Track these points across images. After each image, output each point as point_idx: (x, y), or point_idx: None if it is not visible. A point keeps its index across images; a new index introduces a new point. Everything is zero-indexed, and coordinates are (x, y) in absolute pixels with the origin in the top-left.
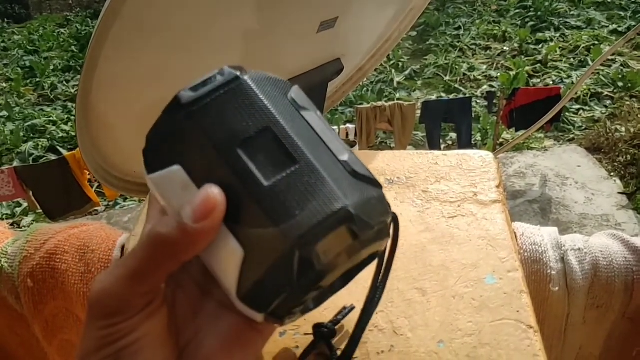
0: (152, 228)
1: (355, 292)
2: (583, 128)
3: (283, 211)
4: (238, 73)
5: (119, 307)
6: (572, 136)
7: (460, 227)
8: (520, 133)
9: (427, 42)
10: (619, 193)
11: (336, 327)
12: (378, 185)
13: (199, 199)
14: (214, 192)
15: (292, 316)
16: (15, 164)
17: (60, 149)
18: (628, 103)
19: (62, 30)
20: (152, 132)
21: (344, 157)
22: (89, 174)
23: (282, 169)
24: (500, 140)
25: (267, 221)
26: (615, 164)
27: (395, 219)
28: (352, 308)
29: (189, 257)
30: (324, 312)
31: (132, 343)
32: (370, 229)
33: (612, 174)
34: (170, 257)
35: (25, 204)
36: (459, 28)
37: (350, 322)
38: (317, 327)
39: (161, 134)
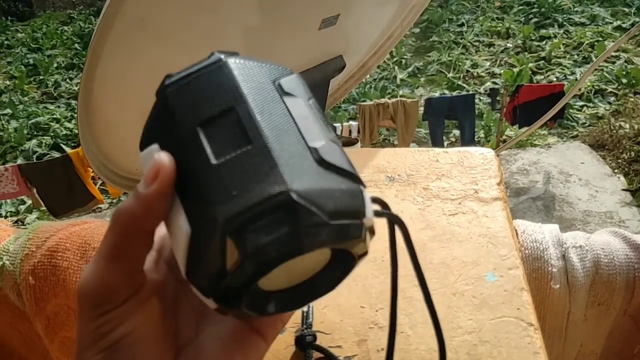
0: (115, 208)
1: (354, 290)
2: (587, 125)
3: (222, 191)
4: (222, 56)
5: (104, 294)
6: (575, 133)
7: (461, 225)
8: (523, 130)
9: (430, 39)
10: (623, 190)
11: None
12: (355, 180)
13: (149, 166)
14: (160, 156)
15: (249, 313)
16: (19, 161)
17: (64, 147)
18: (632, 99)
19: (66, 27)
20: (149, 114)
21: (317, 144)
22: (92, 172)
23: (234, 149)
24: (504, 137)
25: (208, 200)
26: (619, 160)
27: (393, 222)
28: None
29: (149, 225)
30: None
31: (126, 334)
32: (320, 222)
33: (616, 170)
34: (134, 228)
35: (29, 202)
36: (462, 25)
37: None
38: (299, 339)
39: (150, 114)
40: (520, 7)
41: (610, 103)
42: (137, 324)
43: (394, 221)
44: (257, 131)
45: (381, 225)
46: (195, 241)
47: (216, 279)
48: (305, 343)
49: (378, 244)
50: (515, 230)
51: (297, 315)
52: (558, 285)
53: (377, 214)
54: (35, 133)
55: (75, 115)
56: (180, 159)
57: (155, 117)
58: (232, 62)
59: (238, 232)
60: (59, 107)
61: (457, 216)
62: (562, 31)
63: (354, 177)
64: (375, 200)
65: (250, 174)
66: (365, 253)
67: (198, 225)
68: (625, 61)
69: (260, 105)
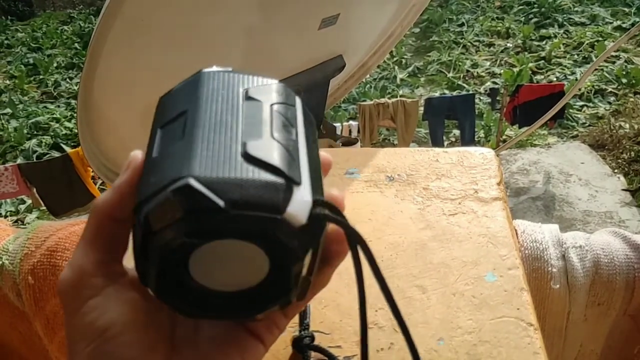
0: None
1: (354, 290)
2: (587, 125)
3: (146, 180)
4: (204, 69)
5: (79, 281)
6: (575, 133)
7: (461, 225)
8: (523, 130)
9: (430, 39)
10: (623, 190)
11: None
12: (279, 174)
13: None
14: (135, 153)
15: (184, 310)
16: (18, 161)
17: (64, 146)
18: (632, 99)
19: (65, 27)
20: None
21: (251, 140)
22: (92, 171)
23: (171, 144)
24: (504, 137)
25: (138, 189)
26: (619, 160)
27: (347, 231)
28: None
29: (119, 212)
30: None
31: (112, 323)
32: (215, 208)
33: (615, 170)
34: (106, 215)
35: (29, 201)
36: (462, 24)
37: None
38: (296, 340)
39: None
40: (520, 7)
41: (610, 103)
42: (122, 313)
43: (344, 229)
44: (192, 127)
45: (381, 225)
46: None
47: (144, 268)
48: (302, 345)
49: (378, 245)
50: (515, 230)
51: (297, 316)
52: (558, 285)
53: (318, 217)
54: (35, 132)
55: (75, 114)
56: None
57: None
58: (205, 73)
59: (144, 216)
60: (58, 106)
61: (457, 216)
62: (562, 31)
63: (280, 173)
64: (321, 203)
65: (169, 164)
66: (307, 280)
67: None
68: (625, 61)
69: (211, 107)
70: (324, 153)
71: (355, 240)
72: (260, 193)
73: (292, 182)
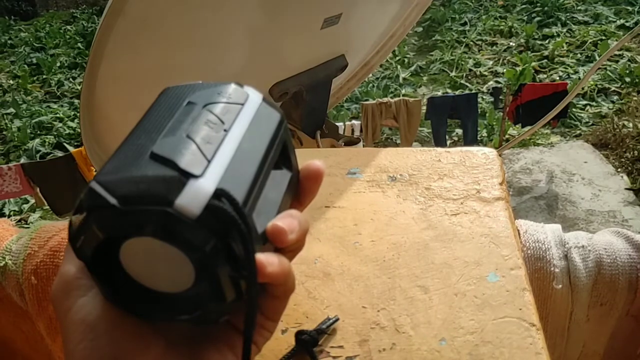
0: None
1: (356, 290)
2: (590, 124)
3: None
4: (170, 86)
5: (68, 284)
6: (578, 132)
7: (463, 225)
8: (526, 129)
9: (433, 38)
10: (626, 189)
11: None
12: (174, 168)
13: None
14: None
15: (114, 300)
16: (22, 160)
17: (67, 146)
18: (635, 98)
19: (69, 27)
20: None
21: (164, 139)
22: (95, 171)
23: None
24: (507, 136)
25: None
26: (623, 160)
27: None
28: (336, 319)
29: None
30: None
31: (101, 320)
32: (105, 204)
33: (619, 170)
34: None
35: (32, 201)
36: (465, 24)
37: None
38: (299, 334)
39: None
40: (523, 6)
41: (613, 102)
42: (110, 310)
43: (229, 220)
44: (126, 137)
45: (383, 226)
46: None
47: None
48: (301, 340)
49: (380, 245)
50: (518, 230)
51: (296, 316)
52: (560, 286)
53: (212, 209)
54: (38, 132)
55: (79, 114)
56: None
57: None
58: (167, 89)
59: (69, 224)
60: (62, 106)
61: (459, 216)
62: (565, 30)
63: (174, 166)
64: (224, 194)
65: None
66: (244, 278)
67: None
68: (629, 60)
69: (153, 116)
70: (316, 162)
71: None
72: (151, 187)
73: (187, 175)
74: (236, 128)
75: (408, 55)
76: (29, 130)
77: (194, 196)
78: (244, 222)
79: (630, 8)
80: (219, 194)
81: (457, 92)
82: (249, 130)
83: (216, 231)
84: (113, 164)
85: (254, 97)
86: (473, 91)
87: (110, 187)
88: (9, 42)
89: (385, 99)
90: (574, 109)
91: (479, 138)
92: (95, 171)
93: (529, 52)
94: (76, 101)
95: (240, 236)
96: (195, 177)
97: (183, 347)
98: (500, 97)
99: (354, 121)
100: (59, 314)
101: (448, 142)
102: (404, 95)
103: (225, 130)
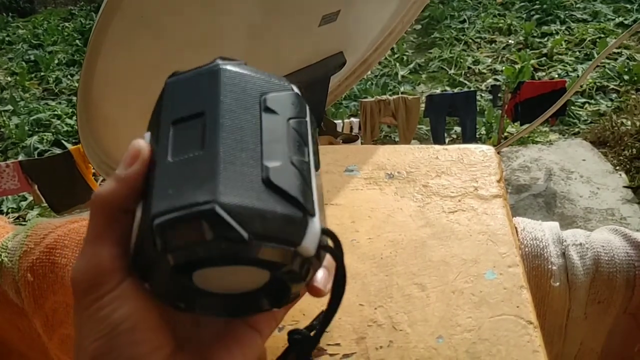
0: (92, 195)
1: (353, 288)
2: (588, 122)
3: (163, 187)
4: (220, 62)
5: (95, 278)
6: (577, 130)
7: (461, 222)
8: (525, 127)
9: (432, 36)
10: (624, 187)
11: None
12: (297, 206)
13: (127, 152)
14: (138, 142)
15: (179, 306)
16: (20, 157)
17: (65, 143)
18: (634, 96)
19: (67, 24)
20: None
21: (272, 164)
22: (93, 168)
23: (189, 152)
24: (505, 134)
25: (153, 193)
26: (621, 157)
27: (336, 257)
28: None
29: (130, 204)
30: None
31: (125, 319)
32: (238, 239)
33: (617, 167)
34: (117, 209)
35: (30, 198)
36: (463, 21)
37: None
38: (292, 334)
39: (155, 103)
40: (522, 4)
41: (612, 100)
42: (135, 309)
43: (336, 259)
44: (213, 139)
45: (381, 223)
46: (141, 228)
47: (147, 267)
48: (293, 339)
49: (377, 242)
50: (515, 227)
51: (293, 313)
52: (558, 283)
53: (323, 248)
54: (36, 129)
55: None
56: (154, 149)
57: (155, 107)
58: (225, 70)
59: (161, 230)
60: (60, 103)
61: (457, 214)
62: (564, 28)
63: (299, 205)
64: (326, 232)
65: (189, 178)
66: (297, 292)
67: (144, 214)
68: (627, 58)
69: (231, 115)
70: None
71: (341, 272)
72: (281, 226)
73: (308, 214)
74: (310, 149)
75: (407, 53)
76: (27, 128)
77: (313, 236)
78: (340, 254)
79: (629, 6)
80: (325, 231)
81: (455, 90)
82: (313, 149)
83: (319, 261)
84: (223, 184)
85: (307, 108)
86: (472, 89)
87: (238, 218)
88: (7, 39)
89: (384, 97)
90: (572, 107)
91: (477, 136)
92: (94, 168)
93: (527, 49)
94: (74, 98)
95: (341, 268)
96: (312, 216)
97: (191, 346)
98: (499, 95)
99: (352, 119)
100: (78, 303)
101: (447, 140)
102: (402, 93)
103: (307, 154)
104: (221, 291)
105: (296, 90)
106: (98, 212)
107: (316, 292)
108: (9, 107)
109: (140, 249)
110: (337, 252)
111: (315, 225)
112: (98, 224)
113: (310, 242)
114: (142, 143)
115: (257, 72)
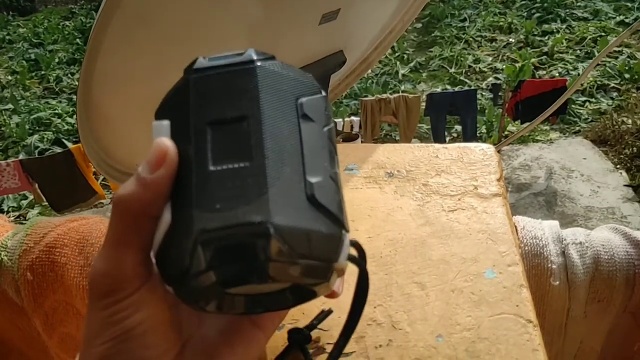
0: (115, 195)
1: (353, 287)
2: (589, 120)
3: (207, 200)
4: (255, 57)
5: (116, 283)
6: (578, 128)
7: (460, 221)
8: (525, 125)
9: (432, 34)
10: (625, 185)
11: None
12: (338, 224)
13: (152, 151)
14: (164, 142)
15: (203, 308)
16: (20, 156)
17: (66, 142)
18: (635, 95)
19: (67, 22)
20: (173, 86)
21: (314, 179)
22: (94, 167)
23: (233, 161)
24: (506, 132)
25: (193, 202)
26: (622, 156)
27: (361, 268)
28: (330, 312)
29: (155, 210)
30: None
31: (139, 323)
32: (289, 261)
33: (618, 166)
34: (141, 214)
35: (31, 197)
36: (464, 20)
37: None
38: (292, 333)
39: (174, 87)
40: (523, 2)
41: (612, 98)
42: (150, 314)
43: (360, 269)
44: (260, 150)
45: (380, 222)
46: (172, 233)
47: (179, 275)
48: (295, 338)
49: (377, 241)
50: (515, 226)
51: (292, 312)
52: (558, 282)
53: (350, 259)
54: (37, 128)
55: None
56: (183, 149)
57: (176, 93)
58: (261, 69)
59: (210, 246)
60: (60, 102)
61: (457, 212)
62: (564, 26)
63: (337, 221)
64: (354, 244)
65: (238, 193)
66: (324, 292)
67: (178, 220)
68: (628, 56)
69: (273, 123)
70: None
71: (364, 281)
72: (323, 245)
73: (345, 230)
74: (337, 157)
75: (407, 52)
76: (27, 126)
77: (345, 251)
78: (364, 263)
79: (629, 4)
80: (353, 244)
81: (456, 89)
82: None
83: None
84: (273, 203)
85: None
86: (472, 87)
87: (289, 240)
88: (7, 37)
89: (384, 95)
90: (573, 106)
91: (478, 134)
92: (94, 167)
93: (528, 48)
94: (75, 97)
95: (364, 278)
96: (347, 231)
97: (197, 346)
98: (500, 94)
99: (353, 117)
100: (94, 305)
101: (447, 139)
102: (403, 91)
103: (337, 163)
104: (251, 293)
105: (324, 92)
106: (121, 216)
107: (332, 295)
108: (10, 105)
109: (168, 257)
110: (362, 262)
111: (347, 241)
112: (120, 227)
113: (344, 257)
114: (169, 143)
115: (287, 68)
